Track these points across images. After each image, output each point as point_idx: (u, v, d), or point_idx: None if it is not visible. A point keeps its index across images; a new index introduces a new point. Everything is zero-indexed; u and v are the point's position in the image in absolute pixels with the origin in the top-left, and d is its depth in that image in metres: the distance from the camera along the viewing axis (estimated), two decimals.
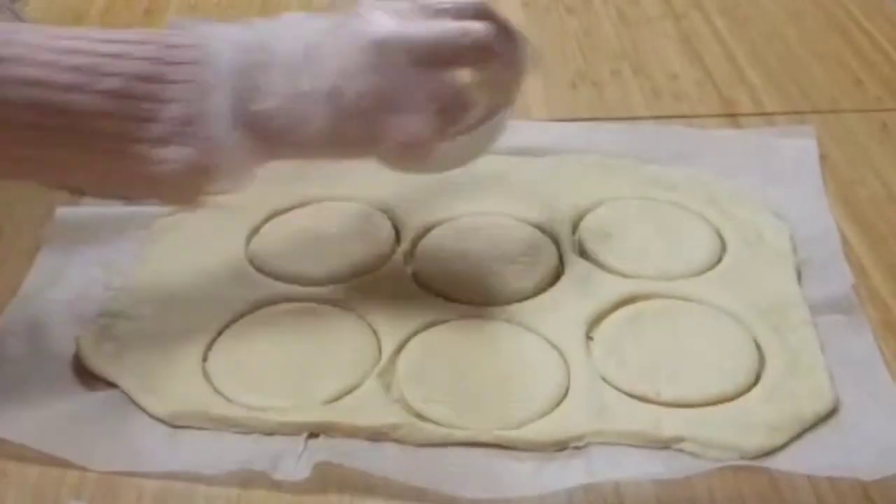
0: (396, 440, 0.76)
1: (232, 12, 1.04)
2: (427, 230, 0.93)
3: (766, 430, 0.76)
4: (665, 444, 0.75)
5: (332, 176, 0.97)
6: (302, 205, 0.96)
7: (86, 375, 0.81)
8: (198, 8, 1.29)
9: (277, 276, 0.89)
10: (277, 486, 0.73)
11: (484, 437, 0.76)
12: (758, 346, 0.82)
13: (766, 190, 0.98)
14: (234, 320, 0.85)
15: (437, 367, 0.80)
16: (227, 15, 1.26)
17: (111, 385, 0.80)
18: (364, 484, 0.73)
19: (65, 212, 0.94)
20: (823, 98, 1.11)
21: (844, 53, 1.20)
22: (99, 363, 0.81)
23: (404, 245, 0.91)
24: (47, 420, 0.77)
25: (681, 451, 0.75)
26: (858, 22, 1.25)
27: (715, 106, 1.11)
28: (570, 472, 0.74)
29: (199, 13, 1.28)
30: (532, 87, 1.12)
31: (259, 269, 0.90)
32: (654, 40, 1.23)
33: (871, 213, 0.95)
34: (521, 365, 0.80)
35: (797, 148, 1.02)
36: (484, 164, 0.96)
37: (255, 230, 0.94)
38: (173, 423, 0.77)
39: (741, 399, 0.78)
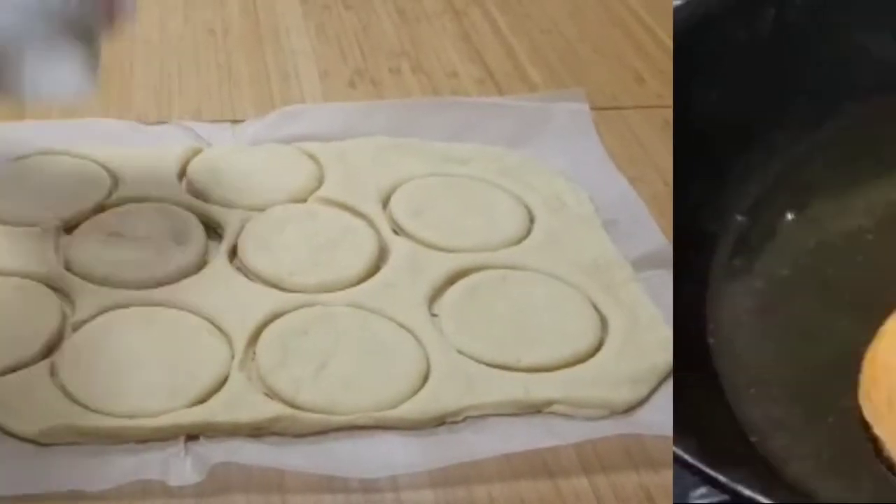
0: (276, 432, 0.74)
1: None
2: (242, 224, 0.90)
3: (628, 384, 0.78)
4: (538, 409, 0.77)
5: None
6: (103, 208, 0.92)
7: None
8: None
9: (95, 281, 0.84)
10: (174, 493, 0.70)
11: (364, 421, 0.75)
12: (594, 306, 0.85)
13: (551, 157, 1.01)
14: (73, 330, 0.80)
15: (298, 355, 0.78)
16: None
17: None
18: (260, 480, 0.72)
19: None
20: (604, 95, 1.11)
21: (625, 50, 1.20)
22: None
23: (227, 241, 0.89)
24: None
25: (552, 413, 0.77)
26: (640, 18, 1.25)
27: None
28: (456, 448, 0.74)
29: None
30: (310, 86, 1.11)
31: (76, 274, 0.85)
32: (433, 37, 1.21)
33: (654, 210, 0.94)
34: (379, 347, 0.80)
35: (570, 111, 1.06)
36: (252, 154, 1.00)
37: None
38: (42, 442, 0.72)
39: (596, 358, 0.80)
